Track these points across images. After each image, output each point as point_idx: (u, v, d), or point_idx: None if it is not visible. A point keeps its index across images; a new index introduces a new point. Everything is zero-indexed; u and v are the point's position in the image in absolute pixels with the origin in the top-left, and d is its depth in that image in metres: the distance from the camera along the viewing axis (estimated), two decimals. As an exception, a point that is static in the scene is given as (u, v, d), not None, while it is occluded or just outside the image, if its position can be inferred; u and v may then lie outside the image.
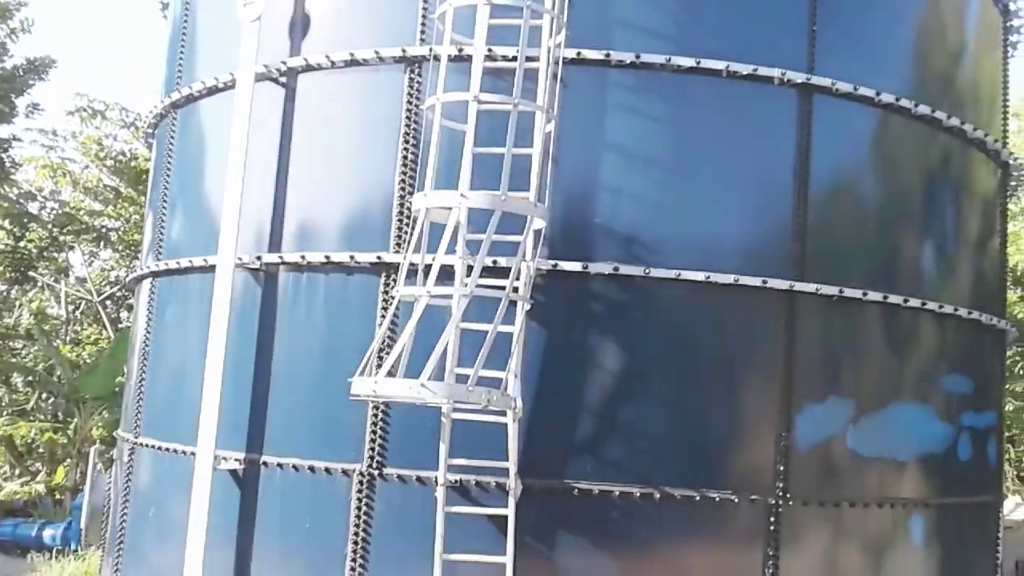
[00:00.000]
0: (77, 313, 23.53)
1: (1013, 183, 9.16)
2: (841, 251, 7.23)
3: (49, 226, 21.30)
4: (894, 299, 7.20)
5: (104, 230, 21.91)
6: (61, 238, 21.52)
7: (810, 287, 6.85)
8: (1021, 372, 16.93)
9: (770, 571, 6.68)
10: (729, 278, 6.68)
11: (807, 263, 6.95)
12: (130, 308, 20.65)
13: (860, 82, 7.06)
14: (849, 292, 6.99)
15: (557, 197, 6.64)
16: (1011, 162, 8.75)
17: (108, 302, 22.41)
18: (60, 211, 21.54)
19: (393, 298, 6.33)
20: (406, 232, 6.63)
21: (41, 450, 18.25)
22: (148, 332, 8.54)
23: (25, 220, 20.71)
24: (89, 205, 22.11)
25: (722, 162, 6.90)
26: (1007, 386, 17.12)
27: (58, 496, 16.64)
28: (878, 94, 7.14)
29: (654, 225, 6.79)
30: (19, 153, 20.67)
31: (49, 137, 21.14)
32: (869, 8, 7.39)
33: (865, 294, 7.05)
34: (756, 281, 6.72)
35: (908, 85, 7.57)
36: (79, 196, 22.08)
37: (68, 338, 22.61)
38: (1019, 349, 16.25)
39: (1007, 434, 19.65)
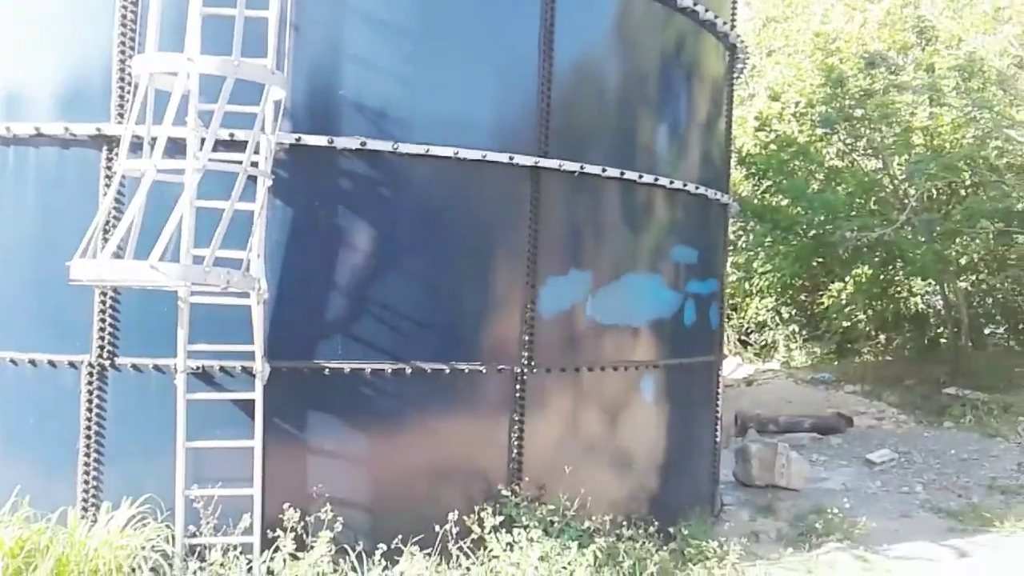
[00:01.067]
0: None
1: (740, 66, 9.74)
2: (583, 129, 7.43)
3: None
4: (630, 175, 7.54)
5: None
6: None
7: (554, 163, 7.02)
8: (743, 245, 18.57)
9: (516, 435, 7.02)
10: (477, 154, 6.69)
11: (551, 140, 7.09)
12: None
13: (603, -41, 7.14)
14: (590, 168, 7.23)
15: (300, 67, 6.30)
16: (738, 44, 9.28)
17: None
18: None
19: (116, 173, 5.78)
20: (129, 101, 6.04)
21: None
22: None
23: None
24: None
25: (471, 37, 6.81)
26: (731, 258, 18.85)
27: None
28: (616, -26, 7.27)
29: (403, 100, 6.63)
30: None
31: None
32: None
33: (604, 170, 7.33)
34: (503, 157, 6.79)
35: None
36: None
37: None
38: (741, 224, 17.78)
39: (730, 301, 21.75)
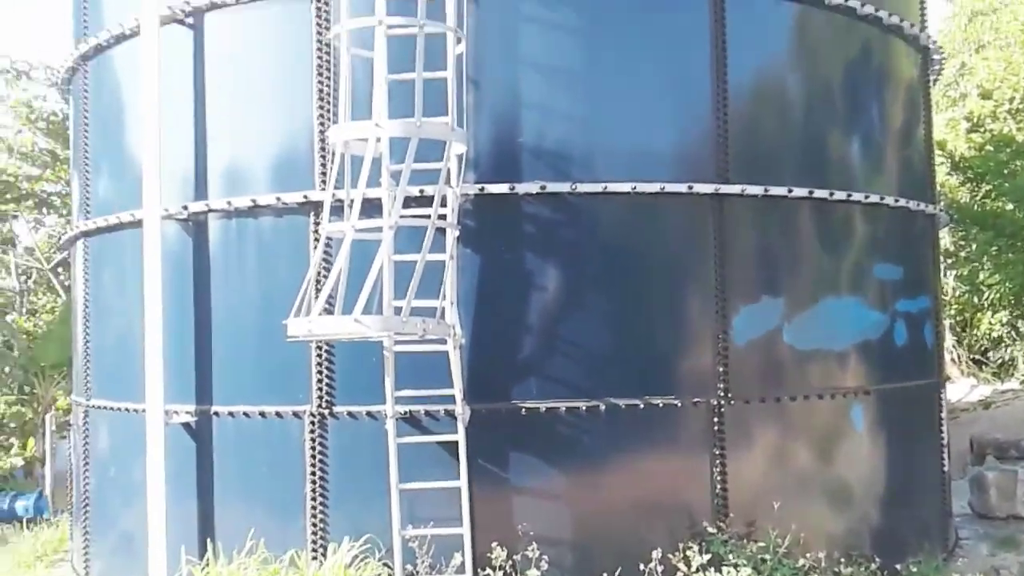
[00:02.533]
0: (30, 283, 23.12)
1: (936, 67, 9.19)
2: (765, 150, 7.28)
3: (-14, 196, 20.76)
4: (820, 193, 7.28)
5: (45, 195, 21.40)
6: (1, 208, 21.00)
7: (735, 188, 6.91)
8: (966, 256, 17.24)
9: (718, 469, 6.88)
10: (655, 187, 6.71)
11: (731, 165, 6.99)
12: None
13: (772, -22, 7.02)
14: (775, 190, 7.06)
15: (480, 119, 6.60)
16: (931, 46, 8.77)
17: (60, 269, 22.01)
18: (-3, 180, 20.97)
19: (321, 235, 6.29)
20: (330, 168, 6.56)
21: (12, 425, 18.14)
22: (87, 293, 8.46)
23: (-40, 192, 20.18)
24: (27, 171, 21.54)
25: (640, 70, 6.87)
26: (955, 270, 17.54)
27: (30, 467, 16.61)
28: (790, -10, 7.12)
29: (579, 140, 6.79)
30: (-55, 122, 20.08)
31: (-26, 104, 20.47)
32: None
33: (790, 191, 7.12)
34: (682, 187, 6.76)
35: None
36: (15, 162, 21.48)
37: (24, 309, 22.26)
38: (962, 233, 16.54)
39: (959, 318, 20.16)
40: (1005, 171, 15.08)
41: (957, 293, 17.83)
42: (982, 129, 15.34)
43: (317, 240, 6.72)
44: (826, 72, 7.67)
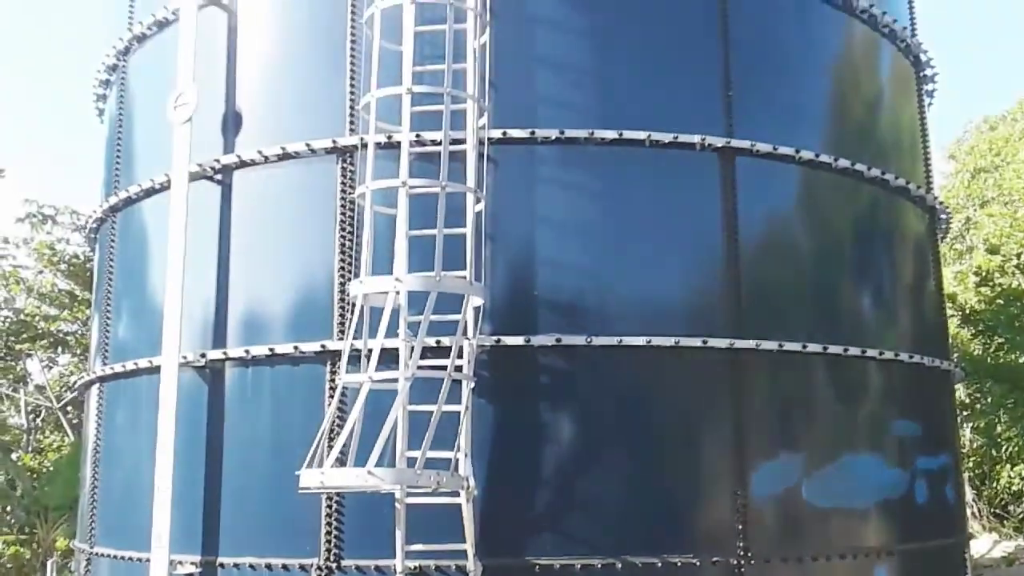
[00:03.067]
0: (38, 421, 23.06)
1: (943, 226, 9.40)
2: (778, 305, 7.36)
3: (4, 335, 21.01)
4: (835, 349, 7.32)
5: (61, 335, 21.65)
6: (17, 346, 21.21)
7: (750, 343, 6.95)
8: (982, 408, 17.10)
9: (738, 632, 6.63)
10: (670, 341, 6.76)
11: (745, 320, 7.06)
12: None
13: (780, 141, 7.28)
14: (789, 345, 7.10)
15: (496, 273, 6.73)
16: (937, 206, 9.00)
17: (69, 407, 22.00)
18: (15, 319, 21.27)
19: (338, 385, 6.32)
20: (347, 319, 6.66)
21: (9, 565, 17.69)
22: (99, 437, 8.43)
23: (-22, 331, 20.45)
24: (44, 311, 21.88)
25: (654, 227, 7.05)
26: (973, 423, 17.34)
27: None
28: (798, 152, 7.36)
29: (593, 294, 6.90)
30: (-32, 263, 20.54)
31: (0, 245, 21.00)
32: (783, 70, 7.67)
33: (805, 346, 7.16)
34: (696, 342, 6.81)
35: (828, 140, 7.83)
36: (34, 302, 21.85)
37: (30, 447, 22.11)
38: (977, 385, 16.46)
39: (978, 471, 19.76)
40: (1017, 324, 15.16)
41: (975, 446, 17.56)
42: (991, 283, 15.52)
43: (333, 390, 6.74)
44: (836, 230, 7.86)
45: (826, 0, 7.84)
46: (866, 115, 8.44)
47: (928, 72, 9.30)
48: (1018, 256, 15.13)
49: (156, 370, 7.23)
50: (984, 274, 15.59)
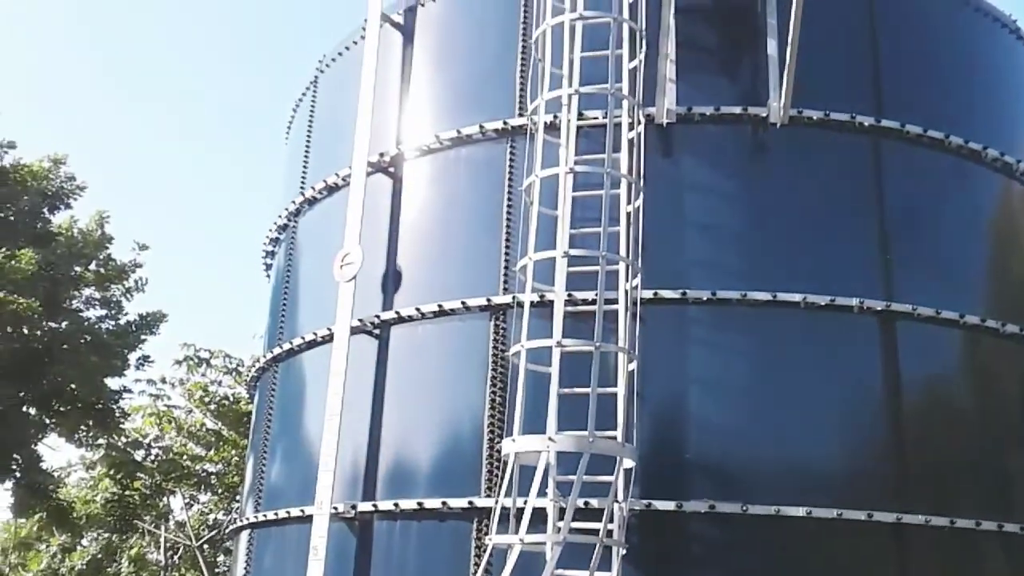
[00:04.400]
0: (175, 558, 23.62)
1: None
2: (946, 477, 6.96)
3: (154, 473, 21.86)
4: (1010, 527, 6.79)
5: (205, 474, 22.35)
6: (164, 484, 21.98)
7: (919, 519, 6.54)
8: None
9: None
10: (832, 512, 6.43)
11: (912, 492, 6.68)
12: (228, 552, 20.67)
13: (941, 305, 7.06)
14: (961, 523, 6.63)
15: (646, 433, 6.63)
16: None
17: (206, 546, 22.51)
18: (164, 457, 22.15)
19: (486, 545, 6.26)
20: (496, 476, 6.66)
21: None
22: (246, 583, 8.57)
23: (132, 469, 21.33)
24: (191, 449, 22.72)
25: (811, 391, 6.85)
26: None
27: None
28: (962, 316, 7.11)
29: (747, 459, 6.69)
30: (128, 403, 21.71)
31: (156, 387, 22.16)
32: (942, 233, 7.51)
33: (978, 524, 6.68)
34: (860, 515, 6.45)
35: (990, 303, 7.55)
36: (182, 440, 22.75)
37: (166, 584, 22.58)
38: None
39: None
40: None
41: None
42: None
43: (478, 548, 6.68)
44: (1004, 396, 7.44)
45: (984, 163, 7.70)
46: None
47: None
48: None
49: (307, 519, 7.37)
50: None
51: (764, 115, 7.25)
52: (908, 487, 6.71)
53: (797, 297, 6.85)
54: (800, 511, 6.40)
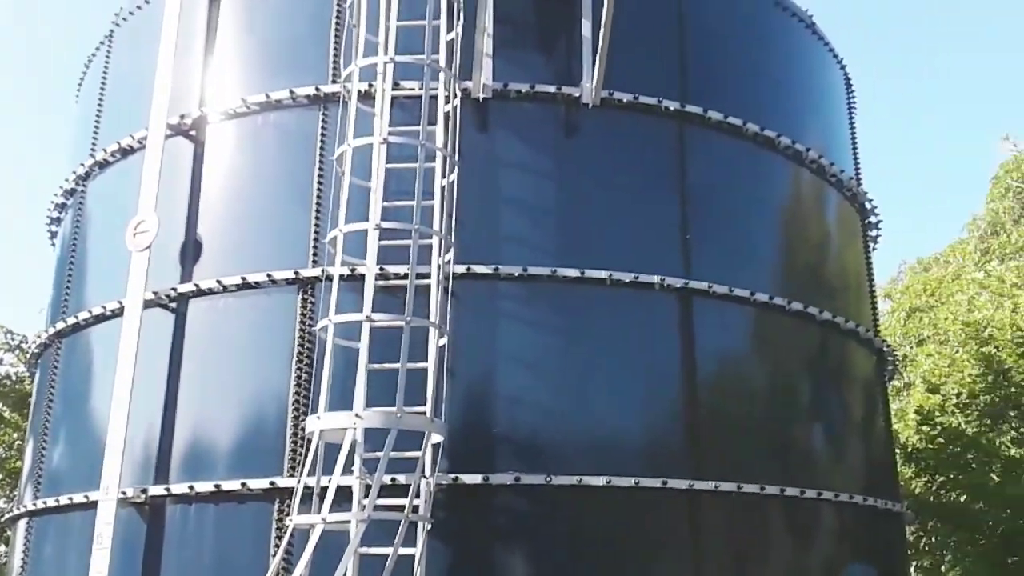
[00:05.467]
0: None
1: (889, 368, 9.60)
2: (736, 446, 7.35)
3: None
4: (791, 491, 7.29)
5: (-17, 456, 20.59)
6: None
7: (709, 485, 6.89)
8: (925, 546, 17.08)
9: None
10: (629, 481, 6.66)
11: (704, 460, 7.03)
12: (7, 542, 19.13)
13: (735, 283, 7.43)
14: (748, 487, 7.04)
15: (455, 408, 6.62)
16: (884, 349, 9.21)
17: (-17, 536, 20.74)
18: (-67, 438, 20.21)
19: (288, 526, 6.05)
20: (301, 455, 6.45)
21: None
22: (23, 572, 7.90)
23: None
24: (-33, 431, 20.86)
25: (613, 366, 7.06)
26: (917, 562, 17.27)
27: None
28: (752, 294, 7.52)
29: (552, 432, 6.81)
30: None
31: (-73, 363, 20.15)
32: (738, 215, 7.90)
33: (763, 488, 7.12)
34: (656, 482, 6.72)
35: (780, 282, 8.03)
36: (-44, 422, 20.85)
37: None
38: (920, 524, 16.47)
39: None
40: (959, 463, 15.33)
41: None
42: (932, 422, 15.78)
43: (280, 529, 6.45)
44: (789, 370, 7.96)
45: (778, 150, 8.17)
46: (816, 259, 8.71)
47: (872, 219, 9.69)
48: (957, 396, 15.45)
49: (92, 505, 6.88)
50: (925, 413, 15.85)
51: (577, 95, 7.36)
52: (700, 456, 7.05)
53: (603, 274, 7.01)
54: (601, 480, 6.59)
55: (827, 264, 8.92)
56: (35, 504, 7.86)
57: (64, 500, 7.40)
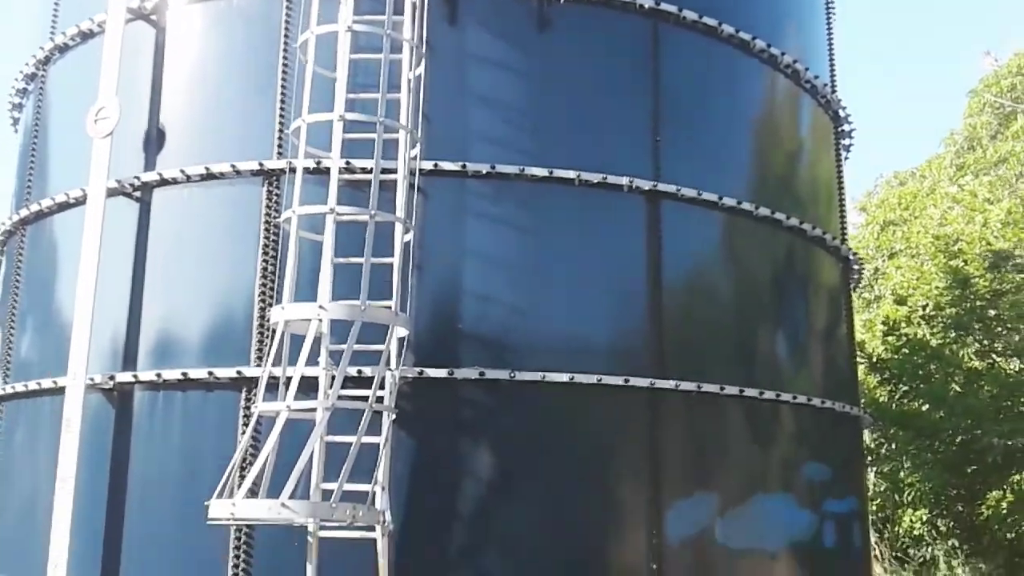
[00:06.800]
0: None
1: (855, 276, 9.72)
2: (698, 347, 7.48)
3: None
4: (750, 392, 7.46)
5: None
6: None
7: (670, 384, 7.04)
8: (886, 453, 17.61)
9: (649, 674, 6.63)
10: (592, 378, 6.79)
11: (667, 360, 7.15)
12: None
13: (704, 187, 7.44)
14: (708, 387, 7.20)
15: (422, 304, 6.68)
16: (850, 257, 9.31)
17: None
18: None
19: (253, 414, 6.15)
20: (267, 345, 6.51)
21: None
22: (-6, 459, 8.03)
23: None
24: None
25: (580, 265, 7.10)
26: (877, 468, 17.85)
27: None
28: (720, 198, 7.53)
29: (518, 329, 6.89)
30: None
31: None
32: (709, 118, 7.87)
33: (722, 388, 7.28)
34: (618, 380, 6.86)
35: (749, 187, 8.03)
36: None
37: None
38: (881, 431, 16.95)
39: (881, 514, 20.32)
40: (921, 374, 15.70)
41: (879, 490, 18.05)
42: (897, 332, 16.08)
43: (247, 418, 6.55)
44: (755, 276, 8.03)
45: (752, 53, 8.06)
46: (786, 166, 8.72)
47: (846, 128, 9.66)
48: (924, 308, 15.71)
49: (60, 391, 6.94)
50: (891, 324, 16.14)
51: (550, -12, 7.22)
52: (663, 356, 7.16)
53: (572, 174, 6.99)
54: (564, 377, 6.71)
55: (798, 171, 8.93)
56: (4, 390, 7.92)
57: (33, 385, 7.46)
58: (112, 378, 6.92)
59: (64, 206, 7.67)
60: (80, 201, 7.36)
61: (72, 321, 6.98)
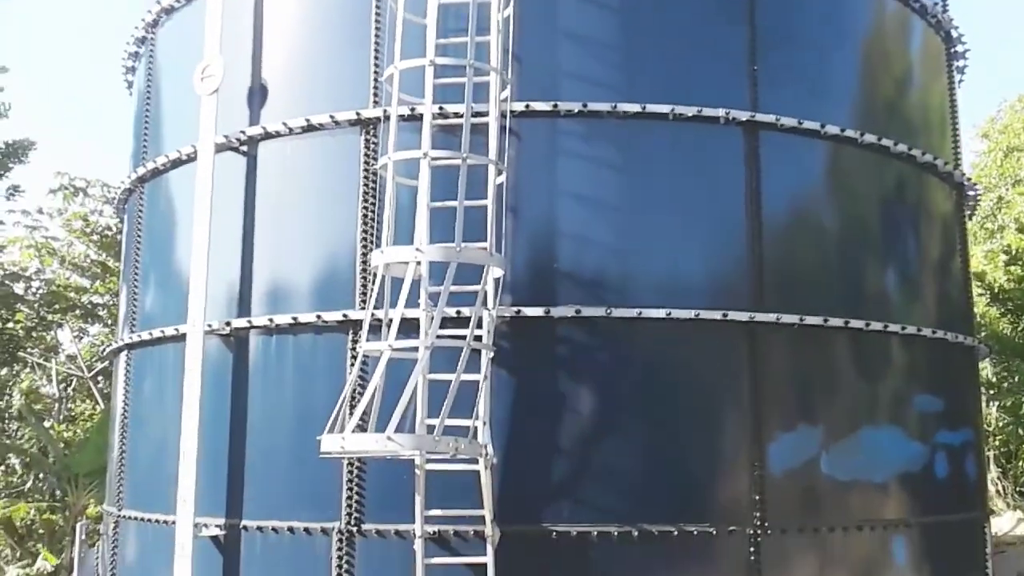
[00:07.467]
0: (69, 390, 23.46)
1: (971, 203, 9.31)
2: (801, 280, 7.35)
3: (36, 305, 21.36)
4: (856, 323, 7.29)
5: (92, 306, 21.97)
6: (49, 317, 21.55)
7: (770, 317, 6.95)
8: (1009, 386, 16.94)
9: (754, 602, 6.69)
10: (690, 313, 6.77)
11: (766, 294, 7.06)
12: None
13: (805, 116, 7.23)
14: (810, 320, 7.08)
15: (518, 245, 6.77)
16: (965, 183, 8.91)
17: (100, 377, 22.38)
18: (47, 290, 21.62)
19: (359, 354, 6.41)
20: (369, 289, 6.74)
21: (41, 531, 18.10)
22: (126, 404, 8.61)
23: (12, 301, 20.77)
24: (76, 282, 22.20)
25: (675, 201, 7.04)
26: (999, 402, 17.19)
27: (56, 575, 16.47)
28: (823, 126, 7.31)
29: (613, 267, 6.92)
30: (2, 235, 20.84)
31: (32, 218, 21.31)
32: (809, 44, 7.61)
33: (826, 320, 7.15)
34: (716, 315, 6.82)
35: (854, 115, 7.76)
36: (65, 273, 22.18)
37: (62, 416, 22.53)
38: (1004, 364, 16.30)
39: (1004, 450, 19.61)
40: (1045, 304, 15.00)
41: (1001, 424, 17.41)
42: (1021, 262, 15.34)
43: (354, 358, 6.83)
44: (861, 206, 7.80)
45: (855, -26, 7.74)
46: (895, 91, 8.36)
47: (959, 48, 9.17)
48: (1049, 236, 14.95)
49: (182, 338, 7.38)
50: (1014, 253, 15.40)
51: (640, -78, 7.07)
52: (763, 290, 7.07)
53: (665, 108, 6.90)
54: (661, 312, 6.72)
55: (907, 96, 8.55)
56: (131, 338, 8.46)
57: (157, 333, 7.94)
58: (228, 324, 7.30)
59: (177, 163, 8.06)
60: (192, 157, 7.72)
61: (189, 272, 7.37)
